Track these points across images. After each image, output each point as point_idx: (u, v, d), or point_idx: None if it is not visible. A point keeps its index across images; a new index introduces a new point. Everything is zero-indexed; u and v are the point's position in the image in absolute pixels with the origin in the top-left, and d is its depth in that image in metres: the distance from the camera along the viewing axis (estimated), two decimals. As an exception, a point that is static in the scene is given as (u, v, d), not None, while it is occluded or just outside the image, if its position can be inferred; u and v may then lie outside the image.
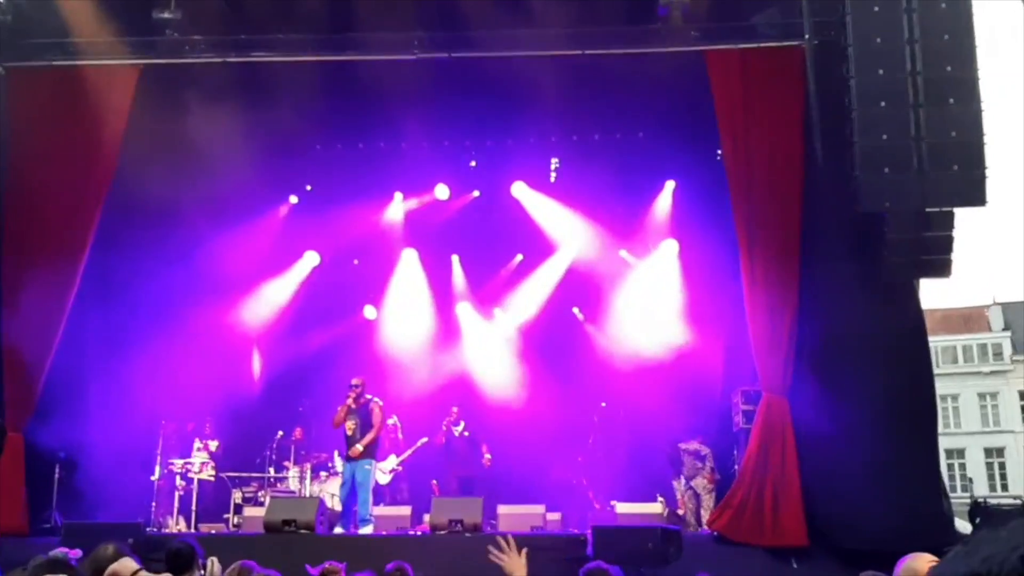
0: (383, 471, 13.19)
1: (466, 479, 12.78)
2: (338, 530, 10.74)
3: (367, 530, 10.58)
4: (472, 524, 9.51)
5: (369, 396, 11.40)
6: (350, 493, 11.00)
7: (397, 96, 11.95)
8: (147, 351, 12.25)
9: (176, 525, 11.88)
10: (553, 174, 14.63)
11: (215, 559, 6.00)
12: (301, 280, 14.82)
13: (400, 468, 13.20)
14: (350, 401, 11.15)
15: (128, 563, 4.45)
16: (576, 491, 12.82)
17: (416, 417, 13.98)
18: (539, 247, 14.85)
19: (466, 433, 13.06)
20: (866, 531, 8.91)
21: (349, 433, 11.12)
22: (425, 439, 13.20)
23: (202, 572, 5.62)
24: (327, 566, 5.35)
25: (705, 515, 11.41)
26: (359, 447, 10.98)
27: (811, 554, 9.30)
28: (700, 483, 11.98)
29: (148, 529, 10.48)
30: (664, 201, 14.17)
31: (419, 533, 10.26)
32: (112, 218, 11.44)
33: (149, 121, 11.29)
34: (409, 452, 13.22)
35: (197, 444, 12.57)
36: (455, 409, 13.21)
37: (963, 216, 9.80)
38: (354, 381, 11.36)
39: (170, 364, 12.47)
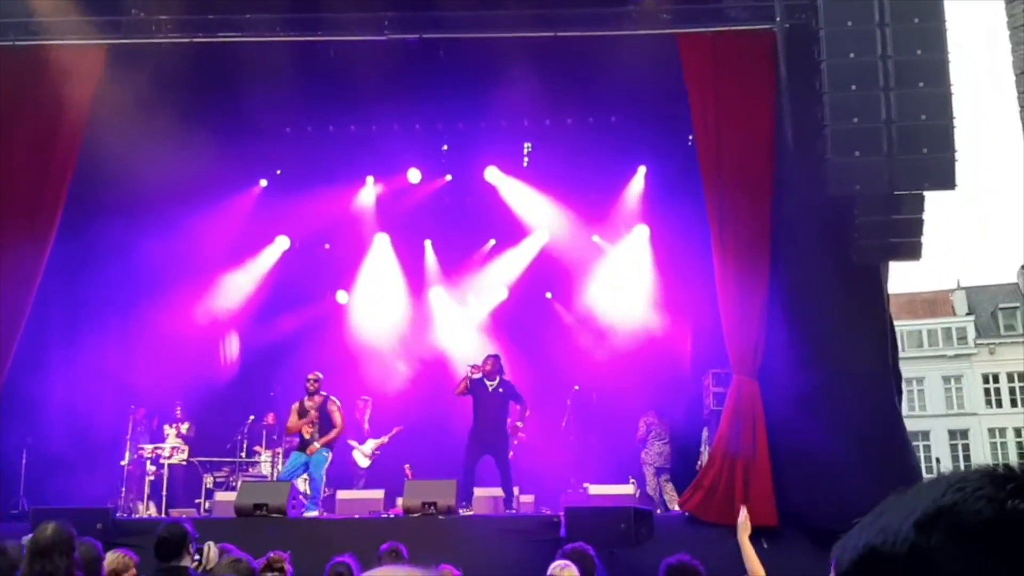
0: (364, 454, 13.21)
1: (485, 443, 11.30)
2: (312, 513, 10.71)
3: (312, 514, 10.59)
4: (446, 507, 9.50)
5: (324, 393, 11.32)
6: (291, 476, 11.04)
7: (368, 78, 11.83)
8: (116, 335, 12.11)
9: (147, 510, 11.78)
10: (526, 158, 14.60)
11: (212, 543, 5.86)
12: (272, 264, 14.70)
13: (379, 452, 13.21)
14: (315, 403, 11.09)
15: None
16: (549, 473, 12.85)
17: (387, 403, 13.97)
18: (512, 231, 14.83)
19: (500, 390, 11.44)
20: (835, 511, 9.00)
21: (307, 436, 11.10)
22: (399, 428, 13.20)
23: (197, 558, 5.47)
24: (272, 556, 5.28)
25: (651, 491, 11.81)
26: (316, 445, 10.99)
27: (781, 534, 9.37)
28: (644, 457, 12.52)
29: (118, 514, 10.37)
30: (636, 186, 14.20)
31: (392, 516, 10.24)
32: (78, 201, 11.25)
33: (116, 102, 11.08)
34: (386, 439, 13.22)
35: (168, 429, 12.46)
36: (491, 359, 11.56)
37: (930, 201, 9.90)
38: (313, 376, 11.32)
39: (140, 348, 12.34)
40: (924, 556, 0.64)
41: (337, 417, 11.18)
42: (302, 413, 11.11)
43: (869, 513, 0.74)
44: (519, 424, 11.61)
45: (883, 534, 0.67)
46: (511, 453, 11.57)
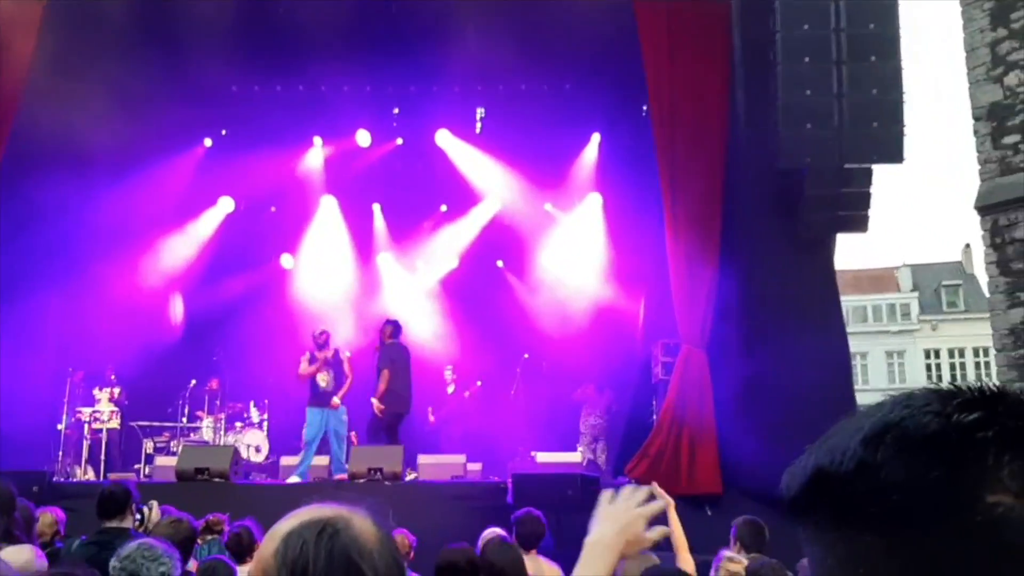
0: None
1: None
2: (295, 479, 10.53)
3: (294, 479, 10.46)
4: (392, 473, 9.43)
5: (334, 348, 11.21)
6: (317, 439, 10.81)
7: (317, 38, 11.58)
8: (54, 296, 11.76)
9: (84, 474, 11.53)
10: (479, 124, 14.44)
11: (155, 503, 5.76)
12: (216, 226, 14.37)
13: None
14: (327, 354, 10.93)
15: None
16: (497, 441, 12.85)
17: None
18: (463, 198, 14.68)
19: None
20: (780, 479, 9.12)
21: (323, 385, 10.90)
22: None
23: (138, 517, 5.38)
24: (210, 518, 5.19)
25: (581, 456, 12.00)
26: (337, 400, 10.86)
27: (724, 501, 9.50)
28: (580, 426, 12.91)
29: (55, 478, 10.12)
30: (590, 154, 14.14)
31: (338, 481, 10.14)
32: (17, 158, 10.85)
33: (55, 60, 10.68)
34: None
35: (98, 394, 12.17)
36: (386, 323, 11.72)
37: (877, 178, 9.99)
38: (320, 331, 11.12)
39: (78, 310, 12.01)
40: (870, 470, 0.65)
41: (347, 367, 11.07)
42: (313, 362, 10.92)
43: (819, 439, 0.73)
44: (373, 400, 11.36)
45: (831, 454, 0.68)
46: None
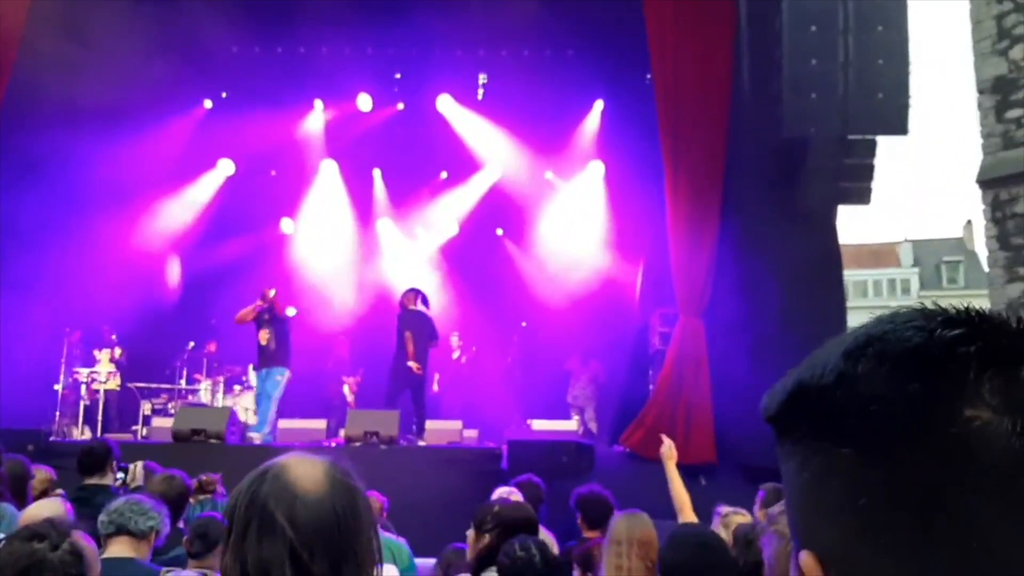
0: (351, 389, 13.18)
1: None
2: (254, 435, 10.59)
3: (256, 438, 10.50)
4: (388, 437, 9.45)
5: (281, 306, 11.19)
6: (260, 403, 10.91)
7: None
8: (52, 255, 11.71)
9: (81, 434, 11.56)
10: (480, 90, 14.31)
11: (140, 463, 5.78)
12: (216, 189, 14.30)
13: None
14: (263, 309, 10.88)
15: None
16: (493, 409, 12.88)
17: (333, 334, 13.81)
18: (464, 165, 14.60)
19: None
20: (770, 448, 9.14)
21: (263, 343, 10.91)
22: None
23: (120, 476, 5.40)
24: (203, 477, 5.22)
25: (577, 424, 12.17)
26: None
27: (719, 471, 9.53)
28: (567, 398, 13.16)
29: (51, 438, 10.14)
30: (592, 122, 14.03)
31: (334, 445, 10.17)
32: (14, 115, 10.75)
33: (52, 16, 10.56)
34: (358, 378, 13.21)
35: (98, 355, 12.17)
36: (408, 292, 11.64)
37: (880, 150, 9.92)
38: (269, 292, 11.09)
39: (76, 271, 11.97)
40: (850, 382, 0.64)
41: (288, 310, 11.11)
42: (262, 323, 10.89)
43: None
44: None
45: (812, 368, 0.68)
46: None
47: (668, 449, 5.23)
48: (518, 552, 3.22)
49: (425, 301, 11.49)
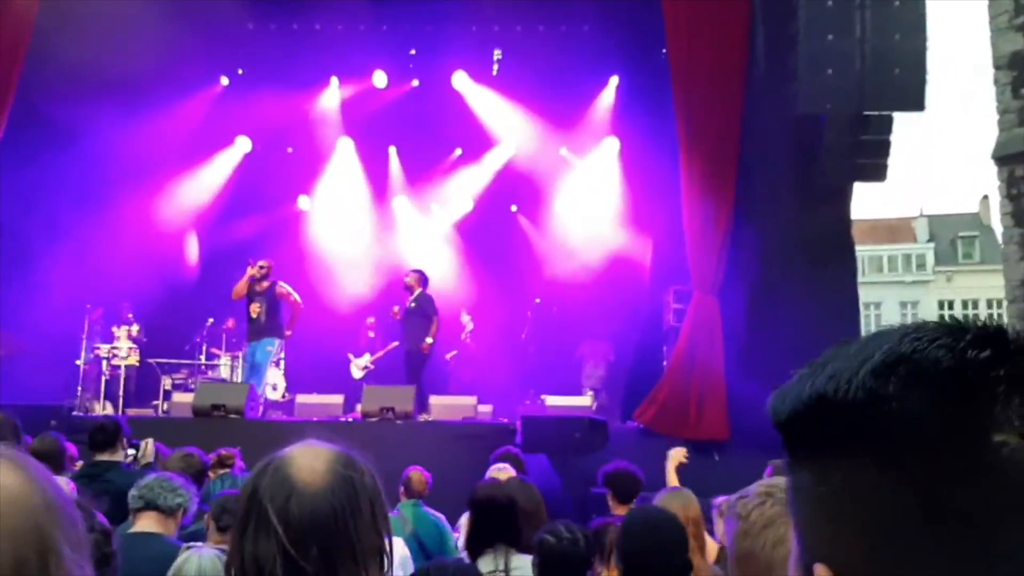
0: (358, 367, 13.28)
1: (406, 353, 11.79)
2: None
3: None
4: (403, 412, 9.56)
5: (276, 282, 11.28)
6: (251, 372, 11.03)
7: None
8: (72, 234, 11.84)
9: (103, 410, 11.74)
10: (495, 66, 14.29)
11: (151, 440, 5.89)
12: (233, 166, 14.39)
13: (372, 366, 13.27)
14: (255, 279, 10.98)
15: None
16: (507, 385, 12.98)
17: (349, 311, 13.91)
18: (479, 141, 14.61)
19: (413, 305, 11.75)
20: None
21: (254, 316, 11.04)
22: (396, 343, 13.24)
23: (132, 452, 5.50)
24: (222, 452, 5.32)
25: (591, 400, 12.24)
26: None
27: (731, 446, 9.59)
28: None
29: (73, 412, 10.31)
30: (607, 97, 14.00)
31: (350, 420, 10.30)
32: (30, 95, 10.83)
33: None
34: (381, 354, 13.27)
35: (116, 331, 12.33)
36: (410, 277, 11.93)
37: (897, 126, 9.86)
38: (260, 263, 11.20)
39: (96, 247, 12.09)
40: (881, 401, 0.64)
41: (282, 295, 11.17)
42: (254, 295, 11.02)
43: (807, 366, 0.73)
44: (428, 341, 11.48)
45: (834, 382, 0.67)
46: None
47: (675, 452, 5.43)
48: (564, 533, 3.28)
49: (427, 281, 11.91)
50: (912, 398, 0.63)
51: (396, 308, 11.77)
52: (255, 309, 10.99)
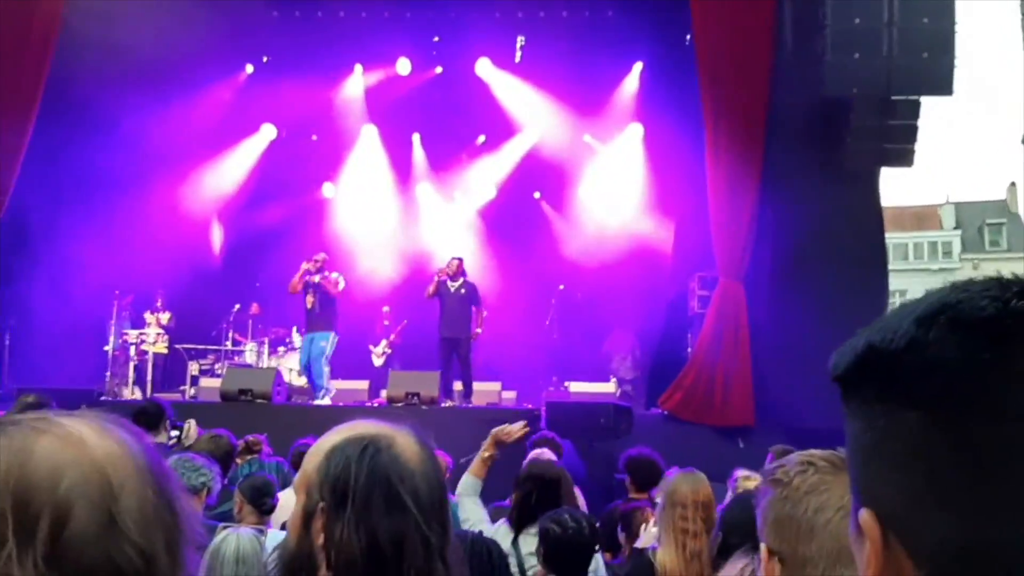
0: (377, 355, 13.36)
1: (451, 341, 11.37)
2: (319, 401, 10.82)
3: (324, 401, 10.69)
4: (429, 397, 9.62)
5: (328, 272, 11.34)
6: (307, 366, 11.08)
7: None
8: (100, 220, 11.96)
9: (131, 394, 11.88)
10: (519, 53, 14.25)
11: (193, 421, 5.94)
12: (258, 153, 14.47)
13: (391, 351, 13.33)
14: (311, 273, 11.04)
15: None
16: (531, 371, 12.99)
17: (374, 298, 13.97)
18: (502, 128, 14.59)
19: (463, 291, 11.50)
20: (811, 412, 9.16)
21: (308, 307, 11.09)
22: (406, 321, 13.27)
23: (175, 434, 5.56)
24: (249, 438, 5.37)
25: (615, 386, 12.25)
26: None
27: (756, 432, 9.57)
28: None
29: (103, 397, 10.45)
30: (631, 83, 13.92)
31: (376, 405, 10.37)
32: (60, 83, 10.93)
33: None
34: (394, 336, 13.34)
35: (148, 317, 12.47)
36: (455, 261, 11.68)
37: (924, 110, 9.75)
38: (316, 256, 11.27)
39: (124, 234, 12.21)
40: (920, 347, 0.65)
41: (334, 288, 11.23)
42: (308, 287, 11.10)
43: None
44: (478, 331, 11.46)
45: (883, 332, 0.69)
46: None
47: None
48: (569, 522, 3.29)
49: None
50: (951, 344, 0.64)
51: (432, 287, 11.45)
52: (309, 300, 11.09)
